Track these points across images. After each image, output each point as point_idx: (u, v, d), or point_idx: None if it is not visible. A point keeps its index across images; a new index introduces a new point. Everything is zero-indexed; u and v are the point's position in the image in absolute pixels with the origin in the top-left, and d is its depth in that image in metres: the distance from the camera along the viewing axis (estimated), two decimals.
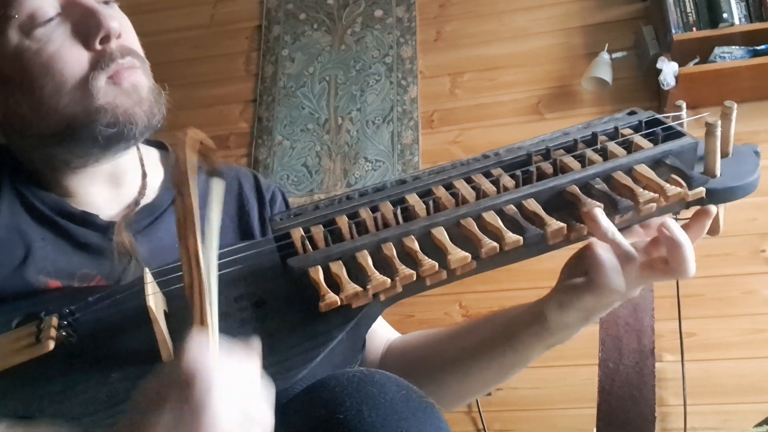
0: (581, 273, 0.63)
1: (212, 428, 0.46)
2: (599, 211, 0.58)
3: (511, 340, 0.71)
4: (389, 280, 0.56)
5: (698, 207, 0.61)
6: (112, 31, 0.71)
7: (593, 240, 0.60)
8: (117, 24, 0.72)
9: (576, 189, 0.59)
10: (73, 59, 0.70)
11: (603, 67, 2.26)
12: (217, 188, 0.57)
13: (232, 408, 0.47)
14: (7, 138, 0.78)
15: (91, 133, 0.71)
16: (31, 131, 0.73)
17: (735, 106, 0.60)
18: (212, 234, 0.54)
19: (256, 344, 0.53)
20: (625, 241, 0.59)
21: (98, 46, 0.71)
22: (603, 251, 0.59)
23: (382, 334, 0.87)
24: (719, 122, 0.60)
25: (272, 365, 0.56)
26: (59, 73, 0.70)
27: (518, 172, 0.61)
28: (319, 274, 0.57)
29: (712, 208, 0.60)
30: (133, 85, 0.73)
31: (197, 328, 0.49)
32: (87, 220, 0.75)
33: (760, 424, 1.45)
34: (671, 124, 0.63)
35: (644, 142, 0.61)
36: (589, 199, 0.58)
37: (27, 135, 0.74)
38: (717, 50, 2.09)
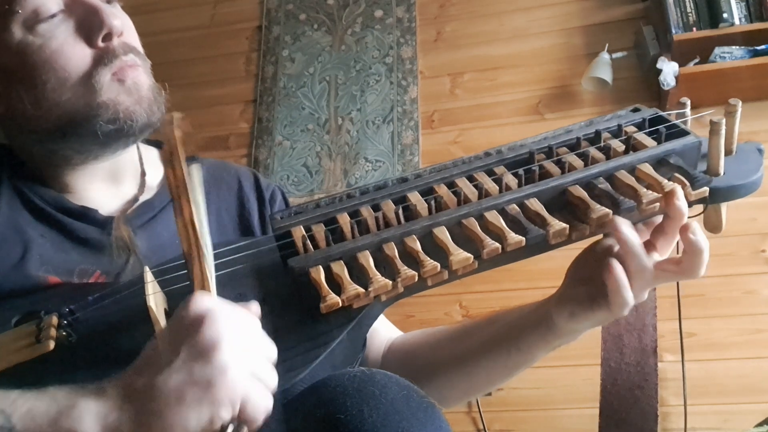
0: (588, 275, 0.63)
1: (224, 368, 0.49)
2: (623, 221, 0.57)
3: (516, 340, 0.71)
4: (391, 282, 0.55)
5: (704, 207, 0.61)
6: (115, 28, 0.72)
7: (611, 260, 0.59)
8: (119, 22, 0.73)
9: (581, 191, 0.59)
10: (76, 55, 0.71)
11: (603, 67, 2.26)
12: (196, 172, 0.59)
13: (241, 356, 0.50)
14: (7, 133, 0.78)
15: (92, 129, 0.72)
16: (31, 126, 0.73)
17: (739, 103, 0.59)
18: (201, 216, 0.57)
19: (254, 307, 0.56)
20: (644, 255, 0.58)
21: (101, 44, 0.72)
22: (619, 271, 0.59)
23: (383, 332, 0.87)
24: (724, 121, 0.59)
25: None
26: (62, 69, 0.70)
27: (521, 171, 0.60)
28: (320, 275, 0.57)
29: (678, 190, 0.58)
30: (134, 83, 0.73)
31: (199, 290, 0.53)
32: (86, 215, 0.75)
33: (760, 424, 1.45)
34: (675, 122, 0.63)
35: (648, 141, 0.61)
36: (598, 205, 0.57)
37: (27, 130, 0.74)
38: (717, 50, 2.09)
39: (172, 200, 0.56)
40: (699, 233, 0.57)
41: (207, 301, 0.52)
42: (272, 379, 0.52)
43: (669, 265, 0.60)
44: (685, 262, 0.58)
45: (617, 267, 0.58)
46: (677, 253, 0.60)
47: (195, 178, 0.58)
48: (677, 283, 1.99)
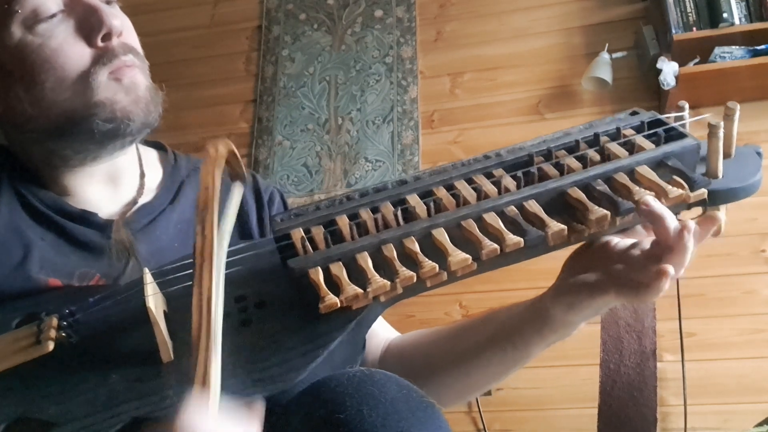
0: (586, 266, 0.63)
1: None
2: (653, 199, 0.56)
3: (511, 337, 0.71)
4: (389, 283, 0.55)
5: (703, 209, 0.61)
6: (114, 28, 0.72)
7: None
8: (118, 22, 0.73)
9: (580, 193, 0.59)
10: (75, 55, 0.71)
11: (603, 67, 2.26)
12: (237, 193, 0.56)
13: None
14: (6, 134, 0.78)
15: (88, 128, 0.72)
16: (30, 126, 0.73)
17: (738, 107, 0.60)
18: (223, 241, 0.53)
19: (258, 407, 0.51)
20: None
21: (100, 43, 0.72)
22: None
23: (381, 333, 0.87)
24: (722, 123, 0.59)
25: (272, 367, 0.56)
26: (61, 68, 0.70)
27: (519, 173, 0.60)
28: (319, 276, 0.57)
29: (720, 216, 0.59)
30: (132, 82, 0.73)
31: (197, 389, 0.47)
32: (86, 218, 0.75)
33: (760, 424, 1.45)
34: (673, 125, 0.63)
35: (646, 143, 0.61)
36: (597, 207, 0.57)
37: (26, 130, 0.74)
38: (717, 50, 2.09)
39: (194, 265, 0.50)
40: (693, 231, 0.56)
41: (197, 425, 0.46)
42: None
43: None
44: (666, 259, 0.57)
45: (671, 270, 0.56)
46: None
47: (234, 198, 0.54)
48: (677, 283, 1.99)
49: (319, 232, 0.60)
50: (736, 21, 2.11)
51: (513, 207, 0.59)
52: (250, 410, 0.51)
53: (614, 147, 0.61)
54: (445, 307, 2.24)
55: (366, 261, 0.57)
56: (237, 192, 0.56)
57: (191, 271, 0.65)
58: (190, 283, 0.63)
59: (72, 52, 0.71)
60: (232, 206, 0.55)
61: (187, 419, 0.45)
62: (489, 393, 2.10)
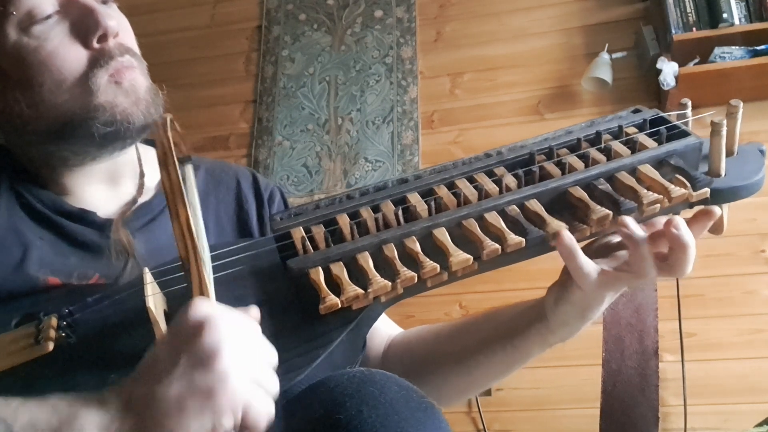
0: None
1: (225, 376, 0.49)
2: (631, 220, 0.57)
3: (512, 337, 0.71)
4: (390, 284, 0.55)
5: (702, 206, 0.60)
6: (110, 29, 0.71)
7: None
8: (115, 23, 0.72)
9: (582, 192, 0.58)
10: (72, 57, 0.71)
11: (603, 67, 2.26)
12: (189, 173, 0.59)
13: (241, 363, 0.50)
14: (5, 135, 0.78)
15: (88, 131, 0.71)
16: (28, 128, 0.73)
17: (741, 104, 0.59)
18: (198, 219, 0.57)
19: (254, 312, 0.56)
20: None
21: (96, 45, 0.71)
22: (568, 238, 0.59)
23: (384, 330, 0.87)
24: (725, 121, 0.59)
25: None
26: (58, 71, 0.70)
27: (521, 172, 0.60)
28: (319, 276, 0.57)
29: (716, 209, 0.59)
30: (132, 84, 0.73)
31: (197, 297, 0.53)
32: (84, 218, 0.75)
33: (760, 424, 1.45)
34: (676, 123, 0.62)
35: (648, 142, 0.61)
36: (599, 206, 0.57)
37: (24, 131, 0.74)
38: (717, 50, 2.09)
39: (168, 204, 0.56)
40: (684, 230, 0.56)
41: (206, 308, 0.52)
42: (273, 385, 0.52)
43: (656, 259, 0.59)
44: (671, 259, 0.58)
45: (566, 234, 0.58)
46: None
47: (189, 179, 0.58)
48: (677, 283, 1.99)
49: (319, 231, 0.60)
50: (736, 21, 2.10)
51: (514, 206, 0.59)
52: (246, 310, 0.56)
53: (616, 145, 0.61)
54: (445, 307, 2.24)
55: (367, 261, 0.57)
56: (189, 173, 0.60)
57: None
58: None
59: (68, 55, 0.70)
60: (191, 186, 0.59)
61: (197, 304, 0.51)
62: (489, 393, 2.10)
